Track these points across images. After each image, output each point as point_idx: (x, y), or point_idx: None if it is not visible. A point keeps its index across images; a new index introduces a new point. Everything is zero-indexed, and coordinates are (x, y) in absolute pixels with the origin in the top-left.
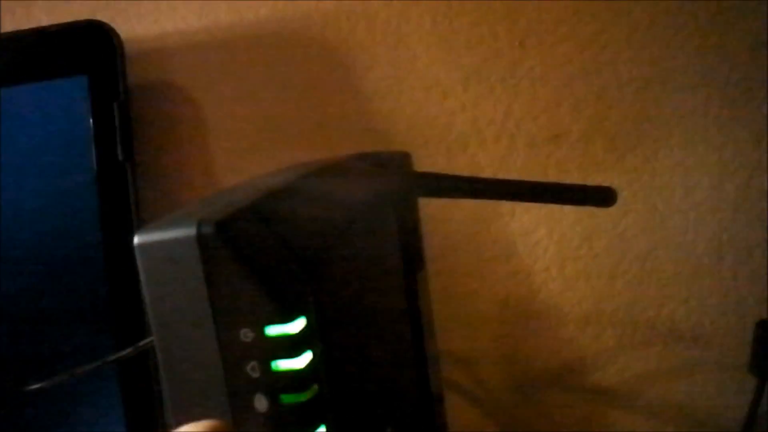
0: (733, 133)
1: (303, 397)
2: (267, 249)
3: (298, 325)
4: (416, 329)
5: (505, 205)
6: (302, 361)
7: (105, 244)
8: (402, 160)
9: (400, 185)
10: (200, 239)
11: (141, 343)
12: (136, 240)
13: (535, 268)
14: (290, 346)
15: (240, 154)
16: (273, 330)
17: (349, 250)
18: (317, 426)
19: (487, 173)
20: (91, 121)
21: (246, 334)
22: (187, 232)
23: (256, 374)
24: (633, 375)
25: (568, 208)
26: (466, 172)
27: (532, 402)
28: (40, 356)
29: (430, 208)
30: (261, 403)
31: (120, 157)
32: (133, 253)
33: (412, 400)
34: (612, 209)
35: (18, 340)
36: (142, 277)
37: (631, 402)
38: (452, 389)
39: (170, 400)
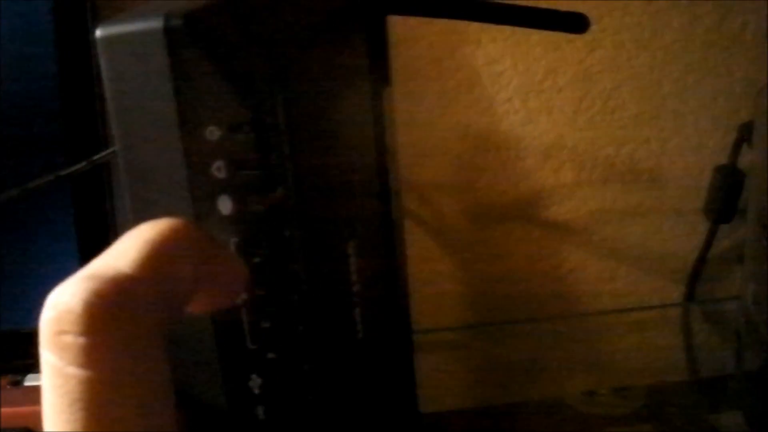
0: None
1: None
2: (237, 45)
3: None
4: (380, 146)
5: (472, 33)
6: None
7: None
8: None
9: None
10: (167, 31)
11: (95, 157)
12: (98, 32)
13: (497, 99)
14: (258, 145)
15: None
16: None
17: (317, 59)
18: (281, 231)
19: None
20: None
21: (212, 132)
22: (153, 24)
23: (221, 175)
24: (588, 211)
25: (534, 40)
26: None
27: (488, 232)
28: None
29: (397, 29)
30: (225, 205)
31: None
32: (89, 65)
33: (374, 220)
34: (579, 44)
35: None
36: (104, 72)
37: (585, 238)
38: (409, 217)
39: (131, 204)
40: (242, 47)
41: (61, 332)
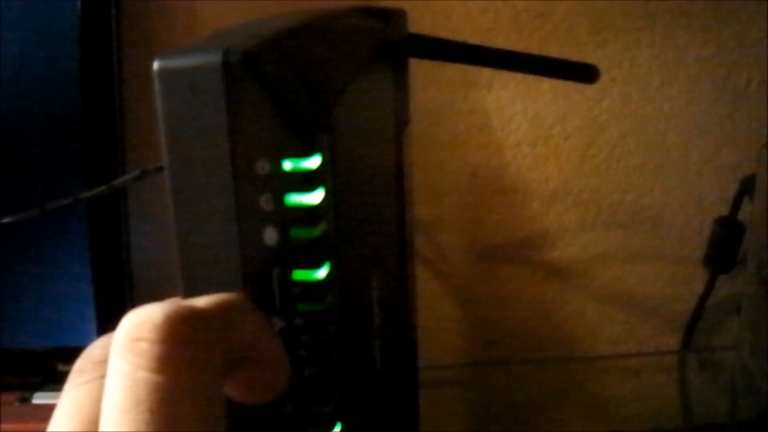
0: (715, 31)
1: (313, 232)
2: (289, 83)
3: (315, 161)
4: (400, 182)
5: (484, 78)
6: (315, 197)
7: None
8: (400, 16)
9: (398, 43)
10: (226, 67)
11: (115, 182)
12: (156, 65)
13: (506, 143)
14: (306, 180)
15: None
16: (289, 164)
17: (353, 99)
18: (323, 263)
19: None
20: None
21: (263, 167)
22: (212, 59)
23: (269, 207)
24: (591, 256)
25: (544, 88)
26: None
27: (491, 273)
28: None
29: (412, 71)
30: (271, 236)
31: None
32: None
33: (393, 255)
34: (588, 93)
35: None
36: (160, 103)
37: (586, 283)
38: (416, 256)
39: (177, 229)
40: (293, 85)
41: (138, 339)
